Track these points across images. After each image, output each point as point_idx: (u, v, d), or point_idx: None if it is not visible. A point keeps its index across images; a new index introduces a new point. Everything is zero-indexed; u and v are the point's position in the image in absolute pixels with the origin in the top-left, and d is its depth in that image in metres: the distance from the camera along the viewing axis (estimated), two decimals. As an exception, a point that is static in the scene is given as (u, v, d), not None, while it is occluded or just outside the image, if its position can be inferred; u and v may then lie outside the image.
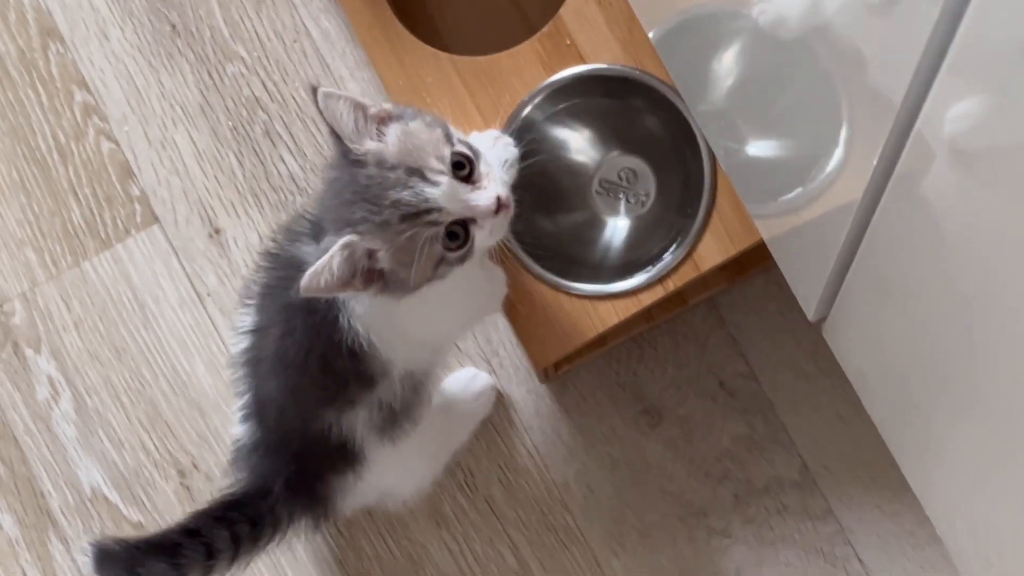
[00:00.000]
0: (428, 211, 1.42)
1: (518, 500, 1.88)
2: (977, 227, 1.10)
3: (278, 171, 1.96)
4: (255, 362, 1.60)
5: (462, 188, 1.44)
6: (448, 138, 1.47)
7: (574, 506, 1.88)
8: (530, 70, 1.80)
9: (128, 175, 1.97)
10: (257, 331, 1.59)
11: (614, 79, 1.79)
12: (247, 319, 1.61)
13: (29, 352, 1.93)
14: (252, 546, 1.62)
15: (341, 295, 1.47)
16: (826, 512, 1.86)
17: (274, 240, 1.58)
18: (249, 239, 1.94)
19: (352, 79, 1.98)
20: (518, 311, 1.76)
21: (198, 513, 1.61)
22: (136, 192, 1.97)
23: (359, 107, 1.45)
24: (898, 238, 1.25)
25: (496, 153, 1.63)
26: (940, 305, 1.24)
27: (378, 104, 1.46)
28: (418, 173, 1.42)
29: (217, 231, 1.95)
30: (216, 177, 1.96)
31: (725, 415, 1.89)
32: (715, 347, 1.90)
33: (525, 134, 1.76)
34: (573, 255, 1.79)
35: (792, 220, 1.49)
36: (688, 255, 1.74)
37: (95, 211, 1.96)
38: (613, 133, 1.81)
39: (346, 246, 1.40)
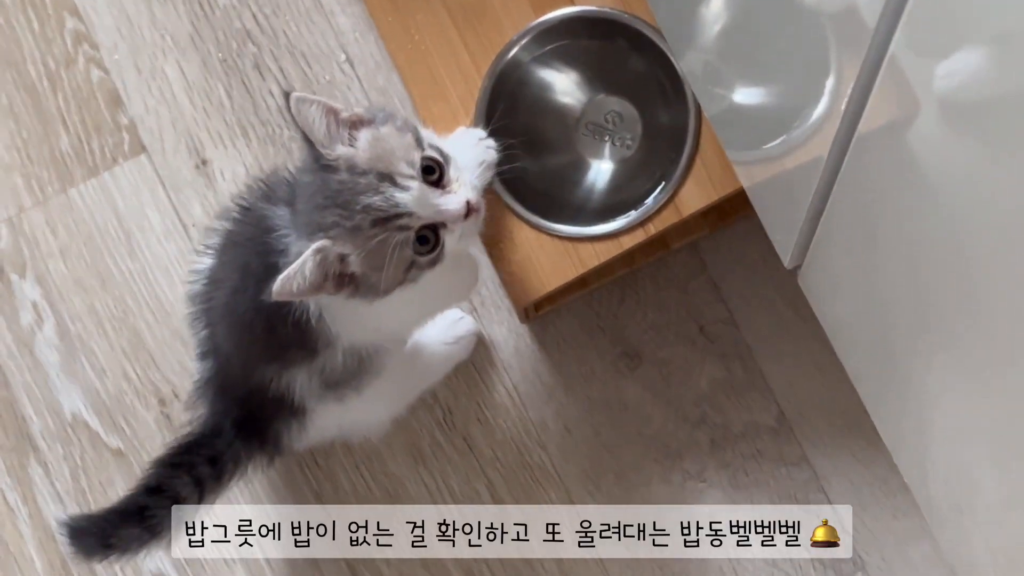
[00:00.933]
0: (398, 216, 1.43)
1: (495, 438, 1.89)
2: (940, 178, 1.11)
3: (266, 104, 1.97)
4: (208, 307, 1.62)
5: (432, 193, 1.46)
6: (418, 143, 1.48)
7: (551, 446, 1.89)
8: (519, 10, 1.80)
9: (117, 104, 1.97)
10: (212, 279, 1.60)
11: (602, 21, 1.79)
12: (205, 262, 1.62)
13: (14, 277, 1.94)
14: (216, 484, 1.64)
15: (312, 296, 1.47)
16: (801, 459, 1.87)
17: (249, 192, 1.59)
18: (236, 171, 1.95)
19: (343, 14, 1.98)
20: (500, 251, 1.77)
21: (157, 464, 1.64)
22: (124, 121, 1.97)
23: (331, 111, 1.45)
24: (865, 186, 1.26)
25: (475, 153, 1.66)
26: (908, 253, 1.25)
27: (350, 108, 1.47)
28: (388, 178, 1.44)
29: (204, 162, 1.96)
30: (204, 108, 1.97)
31: (704, 360, 1.90)
32: (696, 292, 1.91)
33: (509, 76, 1.77)
34: (556, 196, 1.80)
35: (772, 167, 1.49)
36: (670, 200, 1.74)
37: (83, 139, 1.97)
38: (600, 75, 1.81)
39: (318, 251, 1.42)
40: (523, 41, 1.79)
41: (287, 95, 1.43)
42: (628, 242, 1.75)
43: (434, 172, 1.47)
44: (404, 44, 1.81)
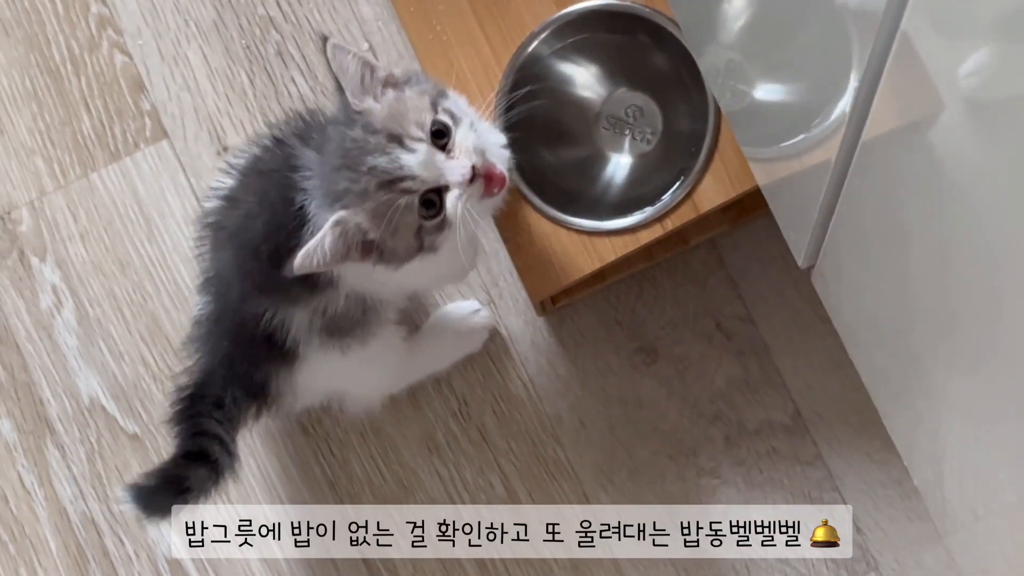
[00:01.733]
0: (402, 179, 1.43)
1: (510, 431, 1.89)
2: (948, 182, 1.10)
3: (288, 92, 1.97)
4: (217, 228, 1.61)
5: (438, 156, 1.45)
6: (433, 106, 1.47)
7: (566, 439, 1.89)
8: (541, 3, 1.79)
9: (139, 89, 1.98)
10: (229, 199, 1.59)
11: (623, 15, 1.78)
12: (225, 183, 1.61)
13: (34, 260, 1.95)
14: (233, 428, 1.66)
15: (337, 266, 1.48)
16: (816, 457, 1.87)
17: (286, 124, 1.59)
18: (257, 158, 1.95)
19: (367, 3, 1.98)
20: (517, 243, 1.77)
21: (183, 418, 1.65)
22: (147, 106, 1.97)
23: (367, 65, 1.46)
24: (873, 189, 1.25)
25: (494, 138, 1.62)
26: (921, 256, 1.24)
27: (387, 68, 1.47)
28: (397, 139, 1.44)
29: (225, 148, 1.96)
30: (227, 95, 1.97)
31: (720, 356, 1.89)
32: (714, 288, 1.90)
33: (530, 69, 1.77)
34: (574, 190, 1.79)
35: (786, 166, 1.49)
36: (688, 195, 1.74)
37: (105, 123, 1.97)
38: (620, 69, 1.81)
39: (337, 223, 1.42)
40: (544, 34, 1.78)
41: (324, 39, 1.43)
42: (646, 237, 1.75)
43: (443, 136, 1.47)
44: (426, 34, 1.81)
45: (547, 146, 1.80)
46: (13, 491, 1.90)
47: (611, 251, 1.75)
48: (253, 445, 1.89)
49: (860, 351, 1.59)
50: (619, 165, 1.81)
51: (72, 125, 1.97)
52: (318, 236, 1.42)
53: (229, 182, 1.61)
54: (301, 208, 1.49)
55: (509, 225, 1.77)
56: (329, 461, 1.90)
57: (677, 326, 1.90)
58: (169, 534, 1.88)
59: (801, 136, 1.42)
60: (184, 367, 1.68)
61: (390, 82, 1.48)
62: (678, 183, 1.74)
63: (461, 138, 1.48)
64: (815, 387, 1.88)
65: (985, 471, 1.35)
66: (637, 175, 1.80)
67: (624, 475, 1.88)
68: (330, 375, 1.69)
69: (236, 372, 1.64)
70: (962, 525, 1.50)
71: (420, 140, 1.44)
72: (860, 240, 1.37)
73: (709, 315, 1.90)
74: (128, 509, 1.62)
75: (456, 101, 1.54)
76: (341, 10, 1.98)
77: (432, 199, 1.46)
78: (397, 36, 1.96)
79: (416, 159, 1.43)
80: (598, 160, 1.81)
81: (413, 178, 1.43)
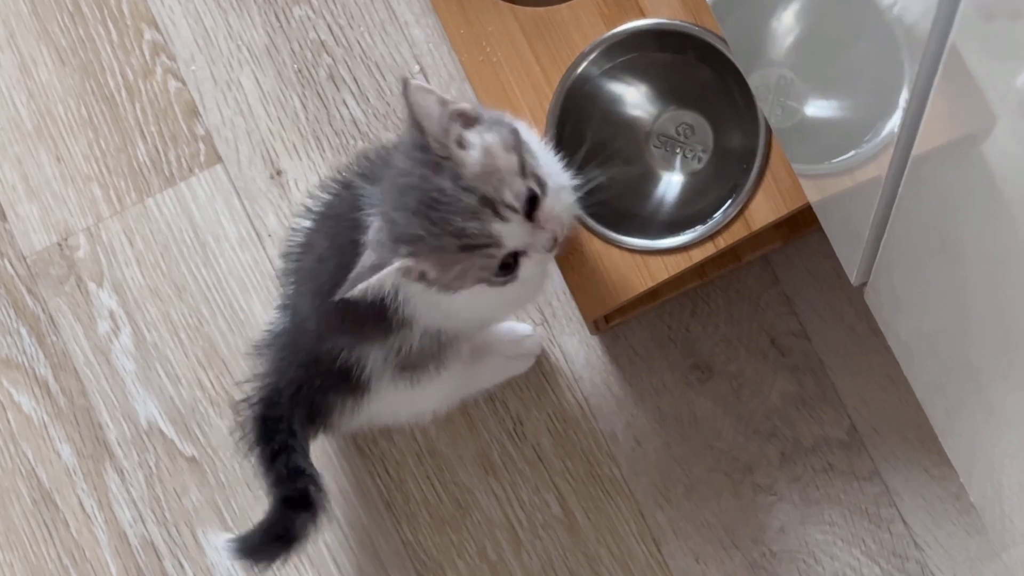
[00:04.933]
0: (488, 245, 1.42)
1: (566, 450, 1.90)
2: (994, 197, 1.10)
3: (340, 115, 1.98)
4: (298, 266, 1.64)
5: (527, 226, 1.44)
6: (522, 168, 1.44)
7: (621, 458, 1.89)
8: (590, 22, 1.80)
9: (193, 114, 1.99)
10: (305, 242, 1.62)
11: (672, 34, 1.78)
12: (304, 223, 1.63)
13: (92, 286, 1.96)
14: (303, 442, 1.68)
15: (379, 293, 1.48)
16: (872, 473, 1.86)
17: (351, 166, 1.60)
18: (310, 181, 1.96)
19: (417, 25, 1.99)
20: (570, 262, 1.77)
21: (265, 460, 1.67)
22: (201, 131, 1.99)
23: (444, 103, 1.42)
24: (925, 206, 1.25)
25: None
26: (970, 273, 1.24)
27: (457, 101, 1.45)
28: (491, 205, 1.41)
29: (279, 172, 1.97)
30: (280, 119, 1.98)
31: (775, 373, 1.89)
32: (768, 305, 1.90)
33: (580, 89, 1.77)
34: (626, 209, 1.79)
35: (836, 183, 1.49)
36: (740, 213, 1.73)
37: (160, 149, 1.99)
38: (670, 88, 1.81)
39: (400, 269, 1.42)
40: (593, 55, 1.79)
41: (405, 82, 1.40)
42: (698, 256, 1.75)
43: (531, 203, 1.44)
44: (476, 56, 1.82)
45: (597, 164, 1.80)
46: (74, 515, 1.92)
47: (663, 270, 1.75)
48: (310, 467, 1.90)
49: (914, 367, 1.58)
50: (670, 183, 1.81)
51: (127, 151, 1.99)
52: (378, 276, 1.40)
53: (307, 224, 1.62)
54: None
55: (562, 245, 1.77)
56: (385, 481, 1.90)
57: (731, 343, 1.90)
58: (228, 555, 1.89)
59: (852, 152, 1.42)
60: (251, 376, 1.70)
61: (463, 117, 1.45)
62: (730, 201, 1.74)
63: (549, 207, 1.45)
64: (871, 402, 1.87)
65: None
66: (688, 193, 1.80)
67: (680, 493, 1.88)
68: (396, 404, 1.70)
69: (302, 397, 1.66)
70: (1021, 541, 1.50)
71: (514, 211, 1.42)
72: (913, 256, 1.37)
73: (763, 331, 1.90)
74: (231, 560, 1.68)
75: (529, 137, 1.53)
76: (392, 32, 1.99)
77: (508, 261, 1.45)
78: (448, 57, 1.97)
79: (508, 230, 1.42)
80: (649, 178, 1.81)
81: (500, 247, 1.43)
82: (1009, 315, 1.23)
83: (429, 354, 1.62)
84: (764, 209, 1.73)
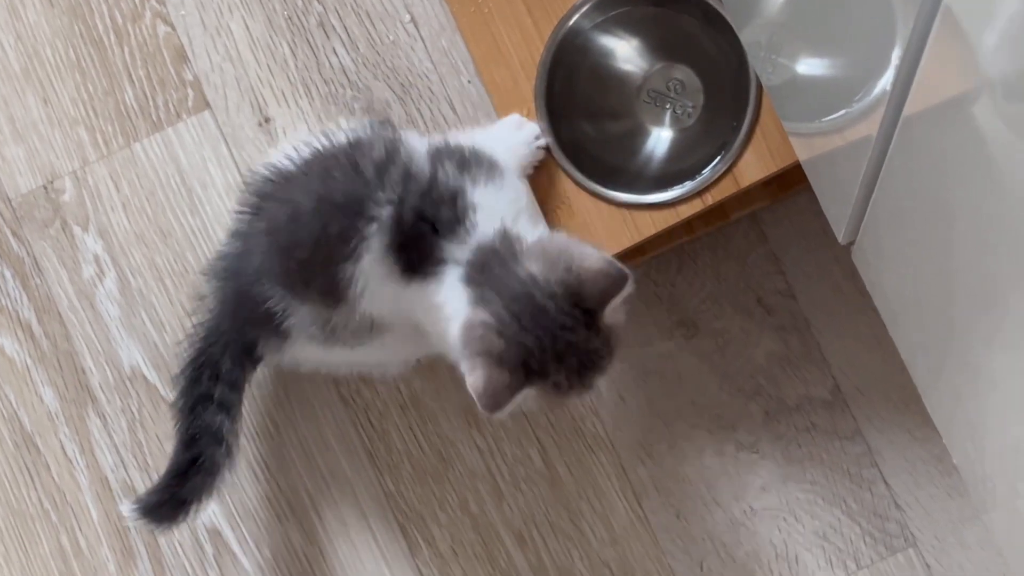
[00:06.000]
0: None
1: (549, 404, 1.89)
2: (984, 159, 1.09)
3: (330, 63, 1.97)
4: (260, 202, 1.63)
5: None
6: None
7: (604, 413, 1.89)
8: (583, -25, 1.79)
9: (182, 59, 1.98)
10: (285, 183, 1.60)
11: (665, -12, 1.78)
12: (286, 163, 1.62)
13: (77, 230, 1.96)
14: (235, 396, 1.71)
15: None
16: (855, 433, 1.86)
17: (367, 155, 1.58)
18: (298, 129, 1.95)
19: (409, -26, 1.98)
20: (557, 216, 1.77)
21: (182, 415, 1.71)
22: (189, 77, 1.98)
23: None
24: (915, 166, 1.24)
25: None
26: (957, 234, 1.24)
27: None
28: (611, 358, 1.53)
29: (267, 120, 1.96)
30: (269, 66, 1.97)
31: (761, 331, 1.89)
32: (755, 263, 1.90)
33: (571, 42, 1.76)
34: (614, 163, 1.79)
35: (826, 142, 1.48)
36: (729, 170, 1.73)
37: (148, 94, 1.98)
38: (662, 43, 1.80)
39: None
40: (585, 7, 1.78)
41: (626, 276, 1.49)
42: (686, 211, 1.74)
43: None
44: (468, 7, 1.81)
45: (587, 119, 1.79)
46: (55, 459, 1.92)
47: (651, 225, 1.75)
48: (292, 416, 1.90)
49: (900, 327, 1.58)
50: (660, 139, 1.80)
51: (115, 95, 1.98)
52: (516, 400, 1.48)
53: (289, 165, 1.62)
54: (356, 248, 1.52)
55: (548, 198, 1.77)
56: (368, 432, 1.90)
57: (717, 300, 1.90)
58: (208, 502, 1.89)
59: (842, 111, 1.41)
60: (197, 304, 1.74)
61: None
62: (719, 157, 1.73)
63: None
64: (856, 363, 1.87)
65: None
66: (678, 149, 1.79)
67: (663, 449, 1.88)
68: (322, 358, 1.74)
69: (235, 328, 1.69)
70: (1002, 502, 1.50)
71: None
72: (901, 216, 1.37)
73: (750, 290, 1.89)
74: (138, 523, 1.71)
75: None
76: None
77: None
78: (439, 8, 1.96)
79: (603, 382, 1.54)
80: (639, 133, 1.80)
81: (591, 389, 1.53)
82: (994, 278, 1.22)
83: (358, 335, 1.63)
84: (753, 166, 1.72)
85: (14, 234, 1.96)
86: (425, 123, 1.93)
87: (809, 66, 1.52)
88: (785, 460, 1.87)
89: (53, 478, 1.92)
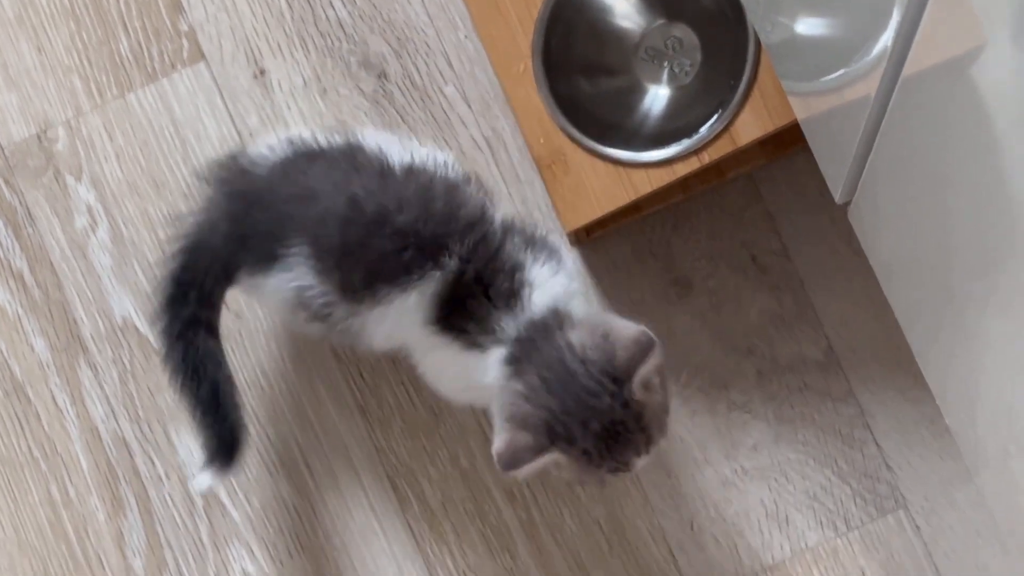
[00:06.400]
0: (621, 471, 1.52)
1: (542, 360, 1.89)
2: (982, 121, 1.09)
3: (326, 16, 1.95)
4: (347, 164, 1.60)
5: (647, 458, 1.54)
6: (668, 412, 1.55)
7: (597, 370, 1.88)
8: (582, -70, 1.78)
9: (177, 9, 1.97)
10: (382, 172, 1.58)
11: (665, -56, 1.77)
12: (315, 146, 1.62)
13: (70, 179, 1.95)
14: (218, 316, 1.70)
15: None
16: (847, 394, 1.86)
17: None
18: (293, 82, 1.94)
19: (407, -73, 1.97)
20: (553, 173, 1.76)
21: (174, 341, 1.67)
22: (184, 27, 1.97)
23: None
24: (913, 126, 1.24)
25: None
26: (953, 196, 1.24)
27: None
28: (648, 444, 1.52)
29: (262, 71, 1.95)
30: (264, 18, 1.96)
31: (755, 290, 1.89)
32: (750, 222, 1.89)
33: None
34: (611, 121, 1.78)
35: (825, 101, 1.47)
36: (726, 128, 1.72)
37: (143, 44, 1.96)
38: (660, 0, 1.79)
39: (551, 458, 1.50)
40: (583, -37, 1.77)
41: (652, 342, 1.49)
42: (682, 170, 1.74)
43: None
44: (465, -40, 1.80)
45: (584, 75, 1.78)
46: (45, 409, 1.91)
47: (647, 183, 1.74)
48: (284, 369, 1.90)
49: (895, 288, 1.58)
50: (657, 97, 1.79)
51: (110, 45, 1.96)
52: (538, 462, 1.48)
53: (312, 147, 1.62)
54: (410, 283, 1.54)
55: (544, 155, 1.76)
56: (359, 386, 1.90)
57: (712, 259, 1.89)
58: (199, 455, 1.89)
59: (841, 71, 1.40)
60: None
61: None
62: (716, 116, 1.72)
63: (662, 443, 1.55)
64: (850, 324, 1.87)
65: (1018, 410, 1.35)
66: (675, 107, 1.79)
67: (655, 407, 1.87)
68: (293, 321, 1.75)
69: (227, 247, 1.65)
70: (993, 464, 1.50)
71: (655, 447, 1.53)
72: (898, 176, 1.36)
73: (745, 249, 1.89)
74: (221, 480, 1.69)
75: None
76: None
77: None
78: (436, -39, 1.95)
79: (640, 463, 1.52)
80: (636, 91, 1.80)
81: (626, 473, 1.53)
82: (989, 241, 1.22)
83: (343, 331, 1.63)
84: (751, 125, 1.72)
85: (6, 183, 1.95)
86: (422, 77, 1.93)
87: (808, 25, 1.51)
88: (777, 420, 1.87)
89: (43, 427, 1.91)
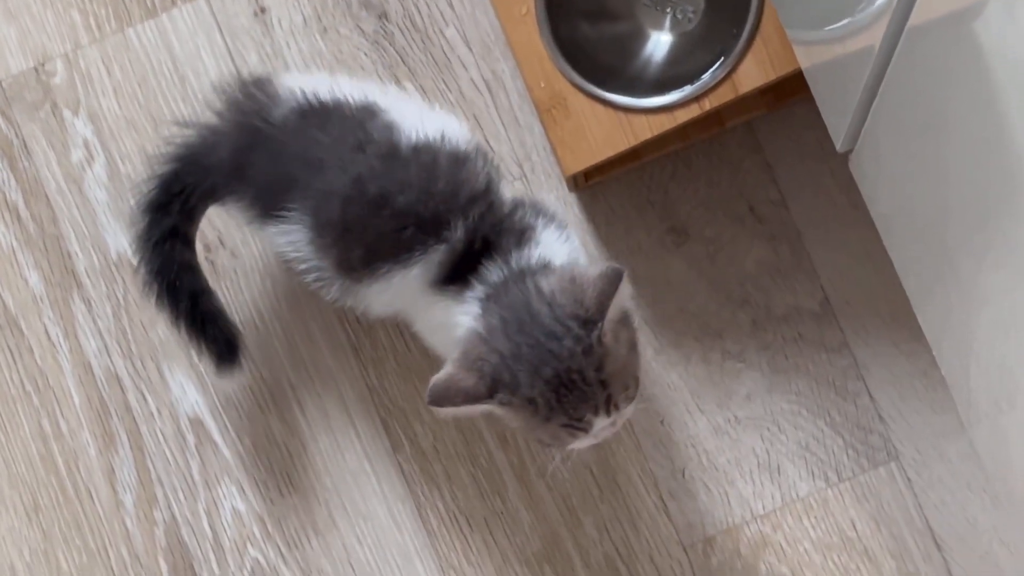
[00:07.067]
0: (580, 429, 1.47)
1: (537, 305, 1.89)
2: (984, 74, 1.09)
3: (328, -46, 1.95)
4: (361, 130, 1.59)
5: (609, 420, 1.48)
6: (637, 381, 1.51)
7: (592, 316, 1.88)
8: None
9: (178, -56, 1.96)
10: (393, 152, 1.56)
11: None
12: (328, 100, 1.61)
13: (67, 113, 1.94)
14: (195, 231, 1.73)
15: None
16: (842, 345, 1.86)
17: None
18: (294, 20, 1.93)
19: None
20: (553, 117, 1.75)
21: (152, 250, 1.69)
22: (185, -38, 1.96)
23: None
24: (918, 75, 1.24)
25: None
26: (954, 148, 1.23)
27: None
28: (609, 399, 1.46)
29: (263, 9, 1.94)
30: (266, -46, 1.95)
31: (752, 240, 1.88)
32: (749, 171, 1.89)
33: None
34: (612, 66, 1.77)
35: (830, 49, 1.47)
36: (728, 76, 1.72)
37: (142, -22, 1.96)
38: (665, -55, 1.79)
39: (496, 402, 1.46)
40: (588, -94, 1.76)
41: (616, 272, 1.44)
42: (682, 116, 1.73)
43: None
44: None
45: (587, 19, 1.78)
46: (39, 342, 1.91)
47: (647, 129, 1.73)
48: (278, 307, 1.89)
49: (894, 239, 1.58)
50: (659, 43, 1.79)
51: (109, -22, 1.96)
52: (471, 408, 1.45)
53: (324, 99, 1.61)
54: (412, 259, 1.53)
55: (545, 99, 1.75)
56: (353, 327, 1.90)
57: (709, 207, 1.89)
58: (191, 391, 1.89)
59: (846, 19, 1.40)
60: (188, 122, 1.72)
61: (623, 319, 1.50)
62: (718, 63, 1.72)
63: (631, 410, 1.51)
64: (846, 275, 1.87)
65: (1011, 365, 1.35)
66: (677, 53, 1.78)
67: (649, 355, 1.87)
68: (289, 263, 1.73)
69: (224, 171, 1.66)
70: (986, 418, 1.50)
71: (617, 410, 1.48)
72: (900, 126, 1.36)
73: (743, 198, 1.89)
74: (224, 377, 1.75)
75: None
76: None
77: None
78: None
79: (600, 423, 1.47)
80: (638, 36, 1.79)
81: (585, 433, 1.48)
82: (986, 197, 1.22)
83: (336, 290, 1.63)
84: (753, 73, 1.71)
85: (3, 115, 1.94)
86: (423, 19, 1.92)
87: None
88: (771, 370, 1.86)
89: (36, 361, 1.91)
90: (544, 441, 1.51)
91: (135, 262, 1.70)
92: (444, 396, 1.44)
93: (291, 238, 1.60)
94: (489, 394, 1.45)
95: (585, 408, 1.45)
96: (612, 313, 1.44)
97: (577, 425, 1.46)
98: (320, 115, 1.61)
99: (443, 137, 1.57)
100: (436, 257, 1.53)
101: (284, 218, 1.59)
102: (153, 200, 1.67)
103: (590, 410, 1.45)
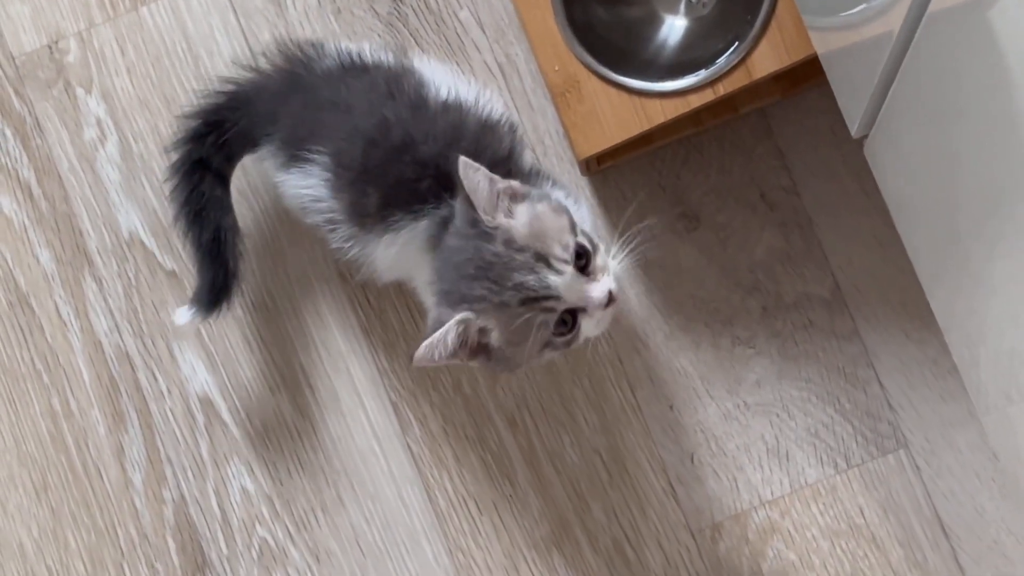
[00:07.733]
0: (547, 298, 1.46)
1: (547, 289, 1.89)
2: (1002, 62, 1.09)
3: (343, -65, 1.95)
4: (339, 77, 1.64)
5: (579, 279, 1.48)
6: (572, 227, 1.49)
7: (602, 301, 1.88)
8: None
9: (193, -76, 1.96)
10: (422, 105, 1.59)
11: None
12: (356, 59, 1.66)
13: (80, 92, 1.94)
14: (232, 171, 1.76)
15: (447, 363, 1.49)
16: (852, 333, 1.86)
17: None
18: (308, 1, 1.93)
19: None
20: (566, 100, 1.75)
21: (181, 178, 1.74)
22: (199, -58, 1.96)
23: (492, 180, 1.47)
24: (936, 61, 1.23)
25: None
26: (978, 133, 1.23)
27: (505, 181, 1.49)
28: (544, 259, 1.45)
29: (277, -10, 1.94)
30: (280, -65, 1.95)
31: (763, 226, 1.88)
32: (761, 158, 1.89)
33: None
34: (626, 49, 1.77)
35: (849, 36, 1.46)
36: (742, 61, 1.71)
37: (157, -43, 1.96)
38: (681, -70, 1.78)
39: (461, 322, 1.45)
40: None
41: (457, 157, 1.44)
42: (696, 101, 1.73)
43: (582, 258, 1.49)
44: None
45: (601, 3, 1.77)
46: (49, 320, 1.91)
47: (660, 113, 1.73)
48: (289, 289, 1.89)
49: (907, 225, 1.57)
50: (673, 27, 1.78)
51: (123, -43, 1.96)
52: (441, 331, 1.45)
53: (351, 61, 1.67)
54: (423, 211, 1.55)
55: (559, 82, 1.75)
56: (365, 309, 1.90)
57: (721, 194, 1.89)
58: (201, 371, 1.89)
59: (863, 5, 1.39)
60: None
61: (512, 195, 1.49)
62: (732, 48, 1.72)
63: (601, 262, 1.51)
64: (856, 263, 1.87)
65: (1021, 355, 1.35)
66: (691, 38, 1.78)
67: (659, 339, 1.87)
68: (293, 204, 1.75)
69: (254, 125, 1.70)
70: (996, 407, 1.50)
71: (565, 262, 1.46)
72: (916, 112, 1.36)
73: (754, 184, 1.88)
74: (194, 322, 1.74)
75: (579, 211, 1.57)
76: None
77: (566, 319, 1.49)
78: None
79: (562, 280, 1.46)
80: (653, 21, 1.79)
81: (558, 298, 1.46)
82: (999, 186, 1.22)
83: (342, 238, 1.65)
84: (767, 58, 1.71)
85: (16, 93, 1.94)
86: (436, 1, 1.92)
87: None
88: (781, 356, 1.87)
89: (47, 339, 1.91)
90: (556, 344, 1.51)
91: (167, 194, 1.74)
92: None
93: (311, 181, 1.62)
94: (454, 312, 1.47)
95: (521, 274, 1.44)
96: (482, 197, 1.46)
97: (544, 296, 1.45)
98: (359, 69, 1.66)
99: (476, 102, 1.60)
100: (445, 212, 1.54)
101: (308, 160, 1.61)
102: (192, 130, 1.72)
103: (529, 274, 1.45)
